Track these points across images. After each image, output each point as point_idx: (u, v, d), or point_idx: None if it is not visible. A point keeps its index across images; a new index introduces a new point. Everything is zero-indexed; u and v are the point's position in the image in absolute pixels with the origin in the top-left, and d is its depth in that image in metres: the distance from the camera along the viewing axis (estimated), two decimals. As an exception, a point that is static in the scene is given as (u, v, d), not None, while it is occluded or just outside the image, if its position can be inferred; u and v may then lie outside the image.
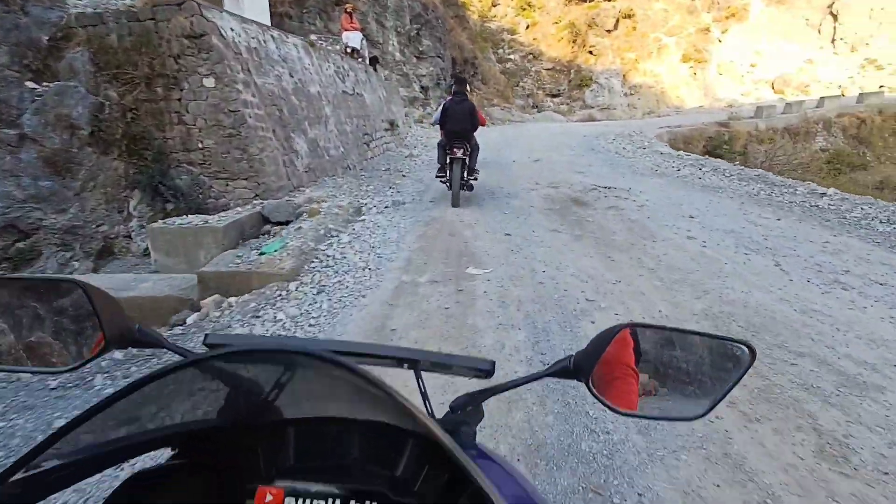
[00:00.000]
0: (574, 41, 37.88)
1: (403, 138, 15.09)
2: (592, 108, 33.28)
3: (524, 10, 42.83)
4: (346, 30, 13.79)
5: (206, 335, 0.85)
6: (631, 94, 34.30)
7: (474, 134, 7.39)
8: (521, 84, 36.07)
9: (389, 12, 16.70)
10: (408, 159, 12.63)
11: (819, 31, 39.90)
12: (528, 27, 41.79)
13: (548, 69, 38.08)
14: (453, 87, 7.78)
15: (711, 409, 0.71)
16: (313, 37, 13.74)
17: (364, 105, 12.62)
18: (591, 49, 36.76)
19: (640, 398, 0.73)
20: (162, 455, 0.66)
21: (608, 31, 36.87)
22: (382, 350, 0.84)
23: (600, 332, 0.71)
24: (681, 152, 12.13)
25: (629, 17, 37.20)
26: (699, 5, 39.93)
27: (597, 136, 16.66)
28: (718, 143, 21.70)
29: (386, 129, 13.85)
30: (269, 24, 10.50)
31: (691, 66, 35.61)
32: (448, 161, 7.24)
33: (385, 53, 16.99)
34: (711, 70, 36.31)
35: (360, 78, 12.86)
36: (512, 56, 38.61)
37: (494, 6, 45.35)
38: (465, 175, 7.37)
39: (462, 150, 7.08)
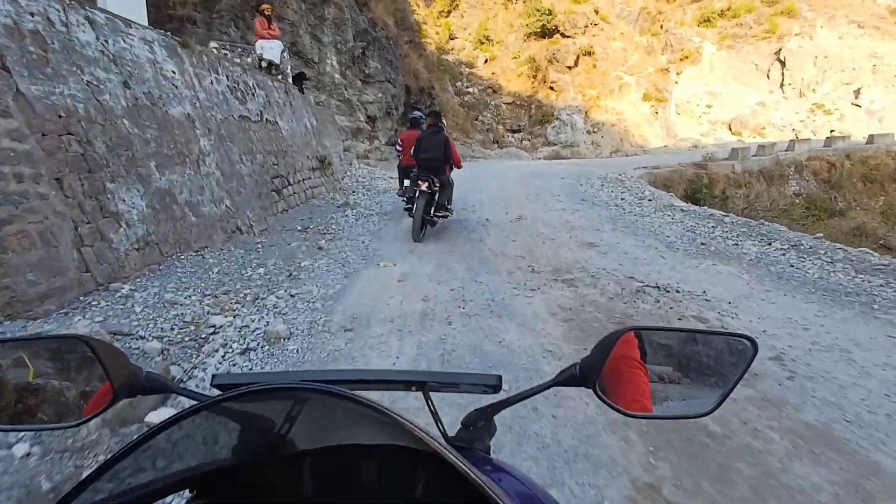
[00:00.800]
0: (534, 76, 35.61)
1: (339, 180, 11.32)
2: (555, 144, 30.65)
3: (482, 43, 40.50)
4: (262, 37, 10.05)
5: (214, 376, 0.81)
6: (594, 132, 31.95)
7: (448, 171, 6.97)
8: (480, 118, 33.23)
9: (327, 25, 13.19)
10: (340, 212, 8.86)
11: (768, 76, 39.29)
12: (486, 61, 39.40)
13: (508, 103, 35.56)
14: (421, 119, 7.79)
15: (721, 402, 0.70)
16: (214, 44, 9.90)
17: (278, 137, 8.82)
18: (552, 84, 34.49)
19: (650, 397, 0.70)
20: (182, 498, 0.65)
21: (569, 67, 34.72)
22: (390, 375, 0.83)
23: (603, 336, 0.71)
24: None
25: (589, 54, 35.26)
26: (655, 46, 38.65)
27: (576, 178, 13.43)
28: (698, 186, 19.15)
29: (313, 169, 10.06)
30: (146, 24, 6.78)
31: (652, 105, 33.77)
32: (415, 193, 6.65)
33: (321, 74, 13.41)
34: (671, 110, 34.60)
35: (274, 100, 9.10)
36: (471, 89, 35.89)
37: (452, 39, 42.88)
38: (433, 211, 6.79)
39: (428, 184, 6.48)
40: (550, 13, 37.40)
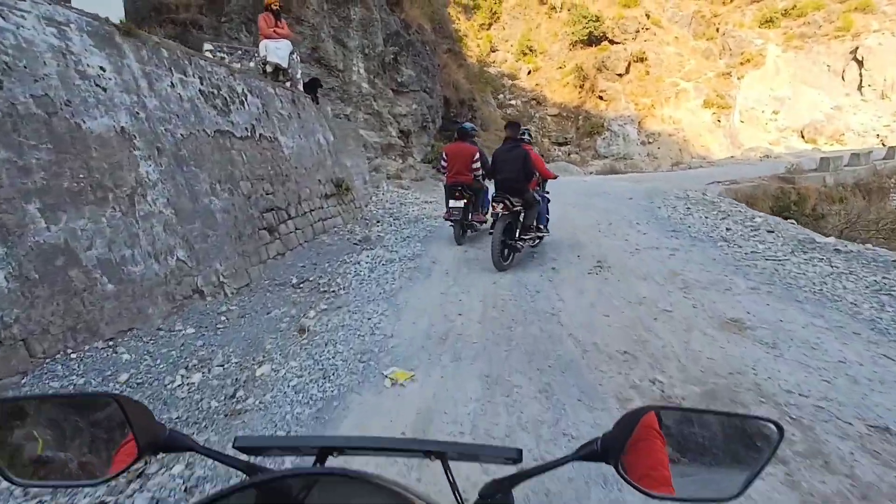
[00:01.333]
0: (581, 86, 32.94)
1: (361, 208, 9.14)
2: (607, 157, 27.80)
3: (525, 54, 38.21)
4: (267, 37, 8.05)
5: (236, 438, 0.78)
6: (649, 143, 28.88)
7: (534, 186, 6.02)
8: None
9: (353, 27, 11.22)
10: (356, 252, 6.63)
11: (843, 78, 35.03)
12: (529, 72, 37.09)
13: (553, 115, 33.01)
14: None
15: (747, 486, 0.68)
16: (209, 45, 7.97)
17: (277, 157, 6.71)
18: (602, 94, 31.69)
19: (673, 479, 0.68)
20: None
21: (619, 74, 31.86)
22: (410, 444, 0.82)
23: (624, 413, 0.69)
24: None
25: (641, 60, 32.28)
26: (714, 50, 35.18)
27: (647, 197, 10.78)
28: (786, 203, 15.99)
29: (327, 196, 7.92)
30: (120, 23, 4.91)
31: (714, 113, 30.36)
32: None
33: (347, 83, 11.42)
34: (735, 117, 31.03)
35: (275, 111, 7.02)
36: (513, 101, 33.57)
37: (493, 51, 40.81)
38: (518, 234, 5.78)
39: (503, 206, 5.54)
40: (598, 20, 34.71)
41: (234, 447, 0.78)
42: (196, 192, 4.96)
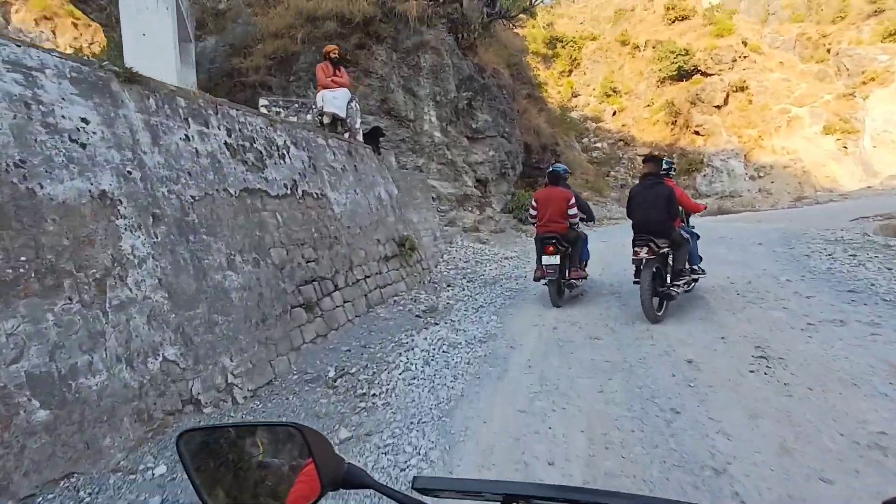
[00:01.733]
0: (673, 122, 30.36)
1: (429, 268, 7.81)
2: (709, 196, 24.70)
3: (609, 96, 36.41)
4: (325, 87, 7.25)
5: (415, 478, 0.76)
6: (759, 177, 25.40)
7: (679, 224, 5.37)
8: (612, 173, 28.68)
9: (424, 74, 10.39)
10: (416, 330, 5.23)
11: None
12: (615, 113, 35.14)
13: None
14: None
15: None
16: (264, 101, 7.30)
17: (324, 216, 5.59)
18: (698, 128, 28.86)
19: None
20: None
21: (717, 106, 28.95)
22: (603, 496, 0.71)
23: None
24: None
25: (741, 89, 29.19)
26: (829, 72, 31.08)
27: (785, 243, 8.41)
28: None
29: (387, 258, 6.68)
30: (188, 87, 4.29)
31: (838, 139, 26.24)
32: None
33: (418, 133, 10.49)
34: (865, 142, 26.57)
35: (325, 164, 6.00)
36: (599, 144, 31.63)
37: (575, 97, 39.50)
38: (670, 281, 5.17)
39: (646, 249, 4.91)
40: (687, 53, 32.26)
41: (413, 488, 0.76)
42: (204, 266, 3.85)
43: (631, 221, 5.33)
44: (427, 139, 10.73)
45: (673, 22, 37.65)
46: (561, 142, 22.24)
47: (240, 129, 4.79)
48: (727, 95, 29.01)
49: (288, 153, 5.39)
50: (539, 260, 5.91)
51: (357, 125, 7.34)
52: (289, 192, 5.17)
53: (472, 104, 11.48)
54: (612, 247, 9.81)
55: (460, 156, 11.35)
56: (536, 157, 16.76)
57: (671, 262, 5.33)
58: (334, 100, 7.13)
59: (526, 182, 15.73)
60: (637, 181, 5.60)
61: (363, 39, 9.86)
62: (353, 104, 7.35)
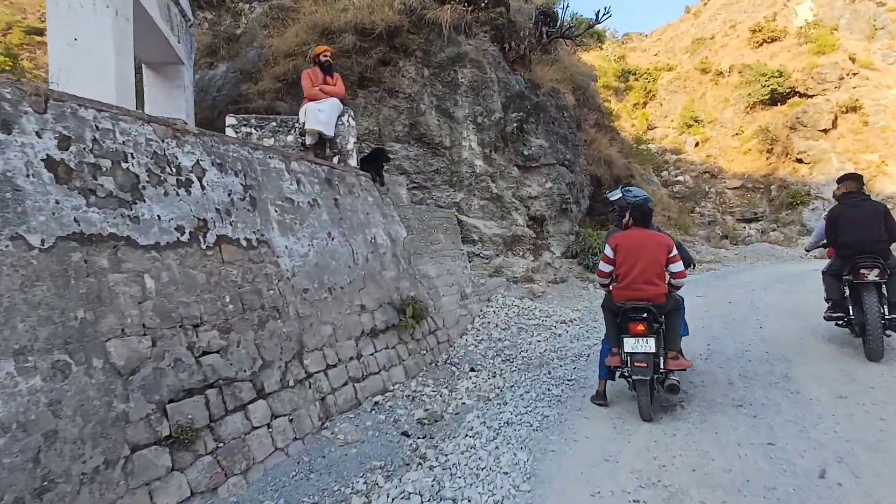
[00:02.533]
0: (769, 150, 26.23)
1: (449, 340, 5.43)
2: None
3: (690, 126, 32.74)
4: (311, 98, 5.35)
5: None
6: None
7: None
8: (697, 209, 24.99)
9: (462, 93, 8.36)
10: (393, 461, 2.90)
11: None
12: (697, 144, 31.37)
13: (734, 188, 26.56)
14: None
15: None
16: (232, 119, 5.50)
17: (256, 275, 3.49)
18: (801, 156, 24.60)
19: None
20: None
21: (823, 130, 24.59)
22: None
23: None
24: None
25: (853, 109, 24.70)
26: (967, 83, 25.66)
27: None
28: None
29: (375, 333, 4.42)
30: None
31: None
32: (846, 291, 4.47)
33: (454, 163, 8.35)
34: None
35: (275, 195, 3.97)
36: (681, 178, 28.01)
37: (650, 129, 36.10)
38: (887, 313, 4.18)
39: (877, 271, 4.19)
40: (781, 75, 28.20)
41: None
42: None
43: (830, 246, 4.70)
44: (466, 169, 8.58)
45: (760, 45, 33.77)
46: (636, 174, 19.27)
47: (93, 139, 2.86)
48: (835, 117, 24.61)
49: (201, 179, 3.40)
50: (616, 340, 3.57)
51: (350, 146, 5.31)
52: (186, 238, 3.13)
53: (523, 127, 9.25)
54: (714, 305, 6.91)
55: (509, 188, 9.06)
56: (608, 192, 14.04)
57: (885, 293, 4.29)
58: (319, 113, 5.19)
59: (595, 220, 13.06)
60: (835, 203, 4.71)
61: (388, 54, 8.06)
62: (345, 119, 5.36)
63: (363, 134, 7.89)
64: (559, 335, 5.98)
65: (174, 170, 3.26)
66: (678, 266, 3.57)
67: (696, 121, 33.48)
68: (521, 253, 8.99)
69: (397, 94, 8.22)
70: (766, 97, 27.98)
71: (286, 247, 3.85)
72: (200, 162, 3.46)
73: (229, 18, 9.17)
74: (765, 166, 26.35)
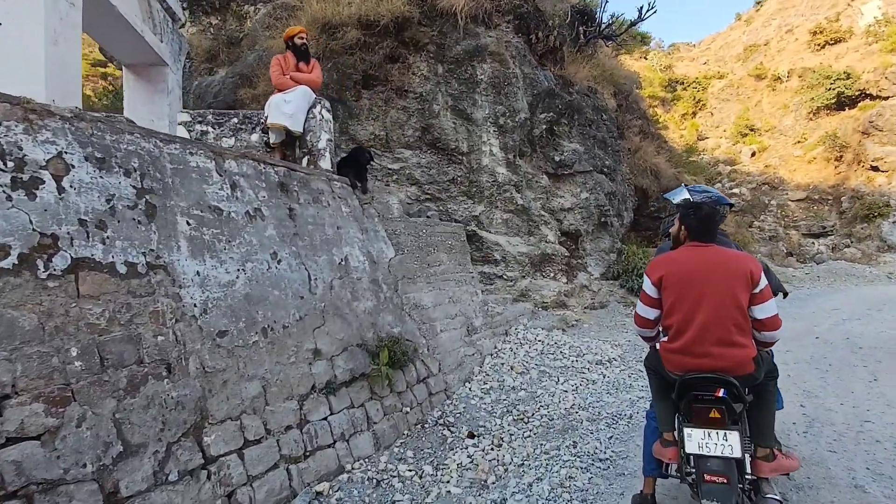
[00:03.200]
0: (838, 158, 23.51)
1: (445, 391, 4.14)
2: (910, 249, 17.63)
3: (745, 135, 30.14)
4: (281, 88, 4.33)
5: None
6: None
7: None
8: (757, 223, 22.56)
9: (481, 91, 7.19)
10: None
11: None
12: (754, 154, 28.77)
13: (798, 200, 23.92)
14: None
15: None
16: (185, 116, 4.54)
17: (145, 311, 2.43)
18: (875, 163, 21.83)
19: None
20: None
21: (903, 134, 21.69)
22: None
23: None
24: None
25: (939, 111, 21.66)
26: None
27: None
28: None
29: (334, 387, 3.23)
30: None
31: None
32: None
33: (473, 171, 7.12)
34: None
35: (190, 203, 2.89)
36: (736, 190, 25.53)
37: (701, 140, 33.56)
38: None
39: None
40: (849, 76, 25.41)
41: None
42: None
43: None
44: (487, 178, 7.35)
45: (822, 47, 30.95)
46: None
47: None
48: (918, 120, 21.69)
49: (60, 179, 2.35)
50: (669, 423, 2.24)
51: (322, 144, 4.21)
52: (8, 263, 2.07)
53: (553, 129, 7.95)
54: (796, 341, 5.28)
55: (537, 199, 7.74)
56: (655, 205, 12.30)
57: None
58: (285, 105, 4.13)
59: (641, 236, 11.42)
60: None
61: (396, 49, 7.03)
62: (317, 111, 4.26)
63: (368, 140, 6.83)
64: (593, 382, 4.56)
65: (11, 165, 2.22)
66: (768, 309, 2.14)
67: (751, 129, 30.90)
68: (552, 274, 7.59)
69: (407, 94, 7.13)
70: (832, 101, 25.31)
71: (198, 273, 2.74)
72: (64, 155, 2.42)
73: (234, 22, 8.46)
74: (833, 175, 23.63)
